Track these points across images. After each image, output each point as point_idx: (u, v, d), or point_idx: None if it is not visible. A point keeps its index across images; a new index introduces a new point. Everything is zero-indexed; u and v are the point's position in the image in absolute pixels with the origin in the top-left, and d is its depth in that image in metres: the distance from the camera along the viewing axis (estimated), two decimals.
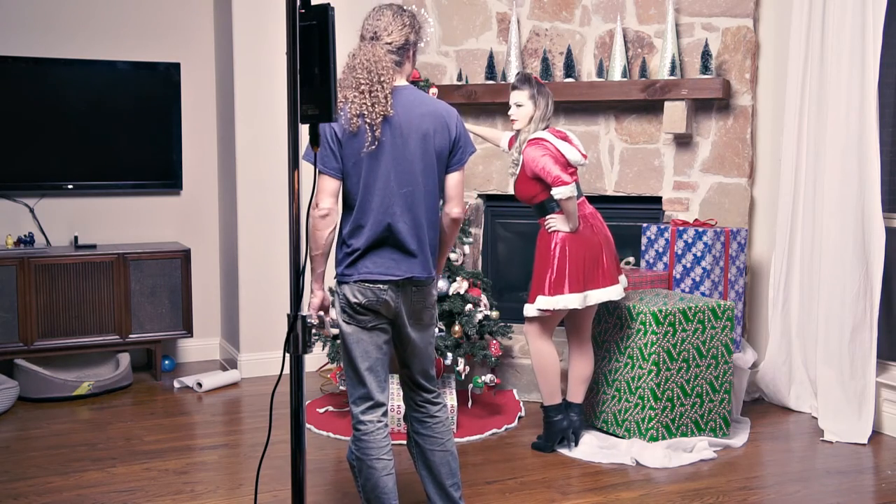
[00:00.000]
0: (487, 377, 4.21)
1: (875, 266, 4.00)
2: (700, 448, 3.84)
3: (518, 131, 3.86)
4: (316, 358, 5.18)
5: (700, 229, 4.30)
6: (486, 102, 4.80)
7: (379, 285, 2.69)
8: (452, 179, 2.82)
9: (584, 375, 3.97)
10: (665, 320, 3.85)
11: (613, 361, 4.03)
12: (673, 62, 4.50)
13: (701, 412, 3.96)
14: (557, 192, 3.63)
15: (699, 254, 4.33)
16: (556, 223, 3.76)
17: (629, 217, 4.85)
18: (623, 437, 3.96)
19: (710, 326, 3.94)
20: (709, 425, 3.99)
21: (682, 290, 4.34)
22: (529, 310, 3.83)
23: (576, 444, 3.92)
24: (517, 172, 3.84)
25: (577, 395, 3.98)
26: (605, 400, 4.09)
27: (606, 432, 4.07)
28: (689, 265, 4.37)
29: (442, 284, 4.18)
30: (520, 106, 3.80)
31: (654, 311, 3.83)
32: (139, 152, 5.18)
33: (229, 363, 5.27)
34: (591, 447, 3.90)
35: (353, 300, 2.70)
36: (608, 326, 4.06)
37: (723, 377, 4.01)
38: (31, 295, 4.66)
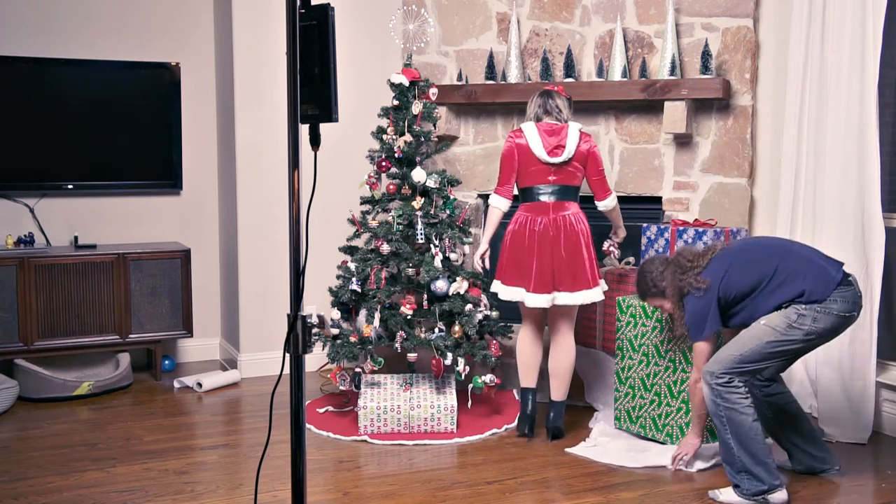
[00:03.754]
0: (487, 377, 4.21)
1: (875, 266, 3.99)
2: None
3: None
4: (316, 358, 5.18)
5: (700, 229, 4.30)
6: (486, 102, 4.80)
7: None
8: None
9: (553, 370, 4.10)
10: None
11: (652, 365, 3.93)
12: (673, 62, 4.50)
13: None
14: None
15: None
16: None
17: (629, 217, 4.84)
18: (664, 443, 3.88)
19: None
20: None
21: None
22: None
23: (550, 438, 4.03)
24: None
25: (552, 392, 4.12)
26: (643, 405, 3.98)
27: (644, 437, 3.99)
28: None
29: (442, 284, 4.18)
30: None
31: None
32: (139, 152, 5.19)
33: (229, 363, 5.27)
34: (620, 452, 3.82)
35: None
36: (646, 330, 3.96)
37: None
38: (31, 295, 4.66)
